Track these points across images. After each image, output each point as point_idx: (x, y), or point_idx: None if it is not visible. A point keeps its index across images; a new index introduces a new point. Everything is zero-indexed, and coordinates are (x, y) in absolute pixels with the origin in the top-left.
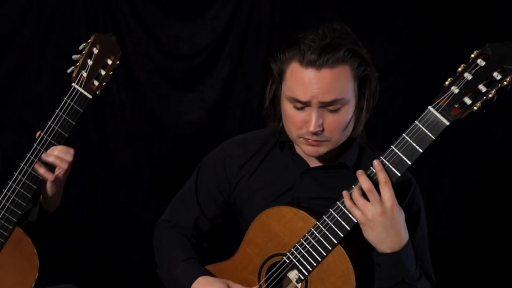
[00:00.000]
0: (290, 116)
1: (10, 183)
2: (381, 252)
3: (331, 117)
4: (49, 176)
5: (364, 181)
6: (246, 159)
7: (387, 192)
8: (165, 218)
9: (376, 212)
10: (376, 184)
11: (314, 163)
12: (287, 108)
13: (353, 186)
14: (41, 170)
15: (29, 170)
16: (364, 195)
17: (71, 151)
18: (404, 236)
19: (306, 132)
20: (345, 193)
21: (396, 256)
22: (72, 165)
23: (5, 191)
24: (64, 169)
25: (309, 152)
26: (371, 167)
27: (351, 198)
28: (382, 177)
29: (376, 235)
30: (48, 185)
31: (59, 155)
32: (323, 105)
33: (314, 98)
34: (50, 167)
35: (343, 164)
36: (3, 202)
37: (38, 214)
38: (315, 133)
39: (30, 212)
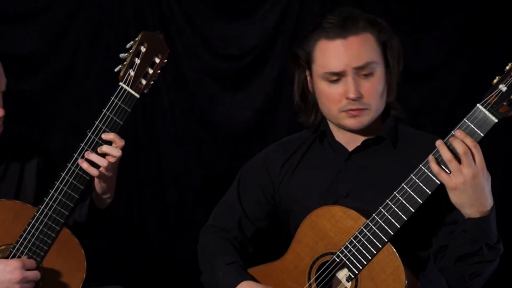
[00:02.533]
0: (327, 94)
1: (57, 184)
2: (468, 216)
3: (366, 83)
4: (93, 171)
5: (458, 145)
6: (286, 158)
7: (478, 155)
8: (210, 223)
9: (468, 175)
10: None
11: (353, 146)
12: (323, 87)
13: (436, 153)
14: (84, 165)
15: (76, 170)
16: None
17: (122, 142)
18: (491, 200)
19: (346, 103)
20: (431, 157)
21: (485, 220)
22: (118, 161)
23: (52, 192)
24: (105, 166)
25: (352, 125)
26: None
27: (438, 163)
28: (469, 141)
29: (467, 199)
30: (96, 181)
31: (105, 150)
32: (357, 70)
33: (347, 65)
34: (93, 163)
35: (381, 138)
36: (50, 203)
37: (88, 209)
38: (355, 100)
39: (76, 209)
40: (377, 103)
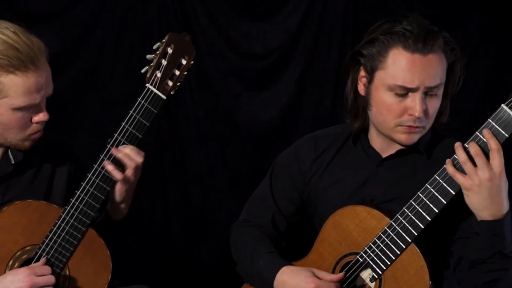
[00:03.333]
0: (388, 105)
1: (83, 184)
2: (481, 219)
3: (429, 103)
4: (117, 175)
5: (472, 147)
6: (318, 154)
7: (497, 159)
8: (243, 218)
9: (484, 177)
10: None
11: (386, 153)
12: (385, 97)
13: (455, 156)
14: (110, 167)
15: (102, 171)
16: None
17: (142, 153)
18: (506, 205)
19: (407, 119)
20: (448, 160)
21: (498, 224)
22: (141, 169)
23: (78, 193)
24: (132, 168)
25: (405, 140)
26: (478, 135)
27: (454, 165)
28: (493, 143)
29: (481, 201)
30: (118, 186)
31: (129, 154)
32: (428, 90)
33: (421, 84)
34: (120, 166)
35: (415, 148)
36: (77, 203)
37: (103, 219)
38: (418, 118)
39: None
40: (431, 123)
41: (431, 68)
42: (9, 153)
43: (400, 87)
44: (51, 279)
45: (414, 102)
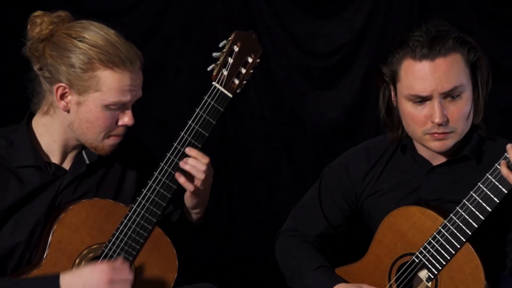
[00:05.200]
0: (412, 115)
1: (150, 183)
2: None
3: (452, 107)
4: (189, 186)
5: None
6: (370, 167)
7: None
8: (288, 226)
9: None
10: None
11: (437, 161)
12: (407, 107)
13: (507, 155)
14: (181, 180)
15: (169, 170)
16: None
17: (205, 160)
18: None
19: (431, 126)
20: (502, 162)
21: None
22: (212, 175)
23: (144, 191)
24: (201, 179)
25: (437, 148)
26: None
27: (508, 167)
28: None
29: None
30: (187, 195)
31: (194, 165)
32: (444, 95)
33: (434, 90)
34: (190, 177)
35: (466, 156)
36: (143, 202)
37: (179, 218)
38: (440, 125)
39: (172, 214)
40: (463, 126)
41: (442, 73)
42: (83, 153)
43: (415, 96)
44: (129, 276)
45: (433, 109)
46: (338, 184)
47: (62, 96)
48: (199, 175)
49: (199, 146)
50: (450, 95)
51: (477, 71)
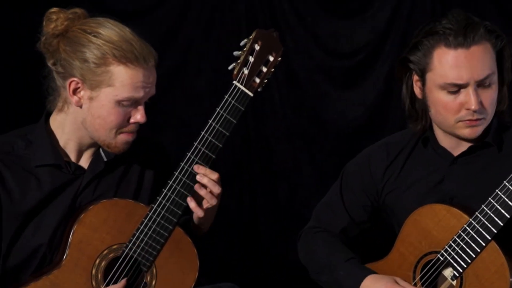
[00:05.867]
0: (445, 104)
1: (171, 182)
2: None
3: (485, 93)
4: (198, 212)
5: None
6: (390, 162)
7: None
8: (312, 224)
9: None
10: None
11: (458, 151)
12: (440, 96)
13: None
14: (192, 205)
15: (189, 169)
16: None
17: (214, 176)
18: None
19: (465, 113)
20: None
21: None
22: (220, 197)
23: (165, 191)
24: (213, 205)
25: (469, 134)
26: None
27: None
28: None
29: None
30: (195, 216)
31: (210, 188)
32: (478, 83)
33: (470, 78)
34: (201, 200)
35: (487, 143)
36: (163, 202)
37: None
38: (475, 111)
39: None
40: (491, 113)
41: (477, 61)
42: (101, 151)
43: (450, 84)
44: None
45: (468, 96)
46: (359, 180)
47: (75, 91)
48: (212, 201)
49: (213, 156)
50: (484, 82)
51: (503, 59)
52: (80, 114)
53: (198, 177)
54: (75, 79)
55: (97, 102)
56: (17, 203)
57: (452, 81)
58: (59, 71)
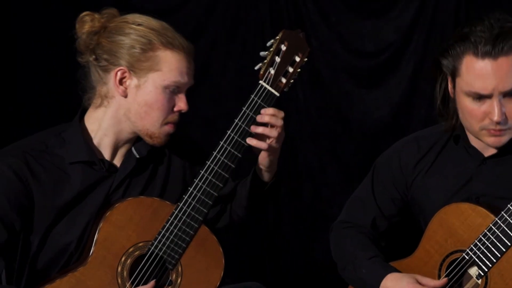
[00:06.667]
0: (470, 110)
1: (196, 181)
2: None
3: (510, 105)
4: (262, 145)
5: None
6: (421, 156)
7: None
8: (342, 219)
9: None
10: None
11: (489, 152)
12: (466, 103)
13: None
14: (253, 142)
15: (215, 168)
16: None
17: (281, 114)
18: None
19: (489, 123)
20: None
21: None
22: (283, 130)
23: (191, 190)
24: (275, 136)
25: (492, 143)
26: None
27: None
28: None
29: None
30: (263, 155)
31: (271, 121)
32: (504, 94)
33: (495, 89)
34: (262, 137)
35: None
36: (189, 200)
37: (249, 185)
38: (498, 123)
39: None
40: None
41: (504, 72)
42: (133, 149)
43: (474, 93)
44: None
45: (492, 107)
46: (389, 172)
47: (121, 81)
48: (272, 133)
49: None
50: (509, 94)
51: None
52: (123, 105)
53: (258, 117)
54: (122, 67)
55: (144, 89)
56: (50, 200)
57: (477, 90)
58: (102, 65)
